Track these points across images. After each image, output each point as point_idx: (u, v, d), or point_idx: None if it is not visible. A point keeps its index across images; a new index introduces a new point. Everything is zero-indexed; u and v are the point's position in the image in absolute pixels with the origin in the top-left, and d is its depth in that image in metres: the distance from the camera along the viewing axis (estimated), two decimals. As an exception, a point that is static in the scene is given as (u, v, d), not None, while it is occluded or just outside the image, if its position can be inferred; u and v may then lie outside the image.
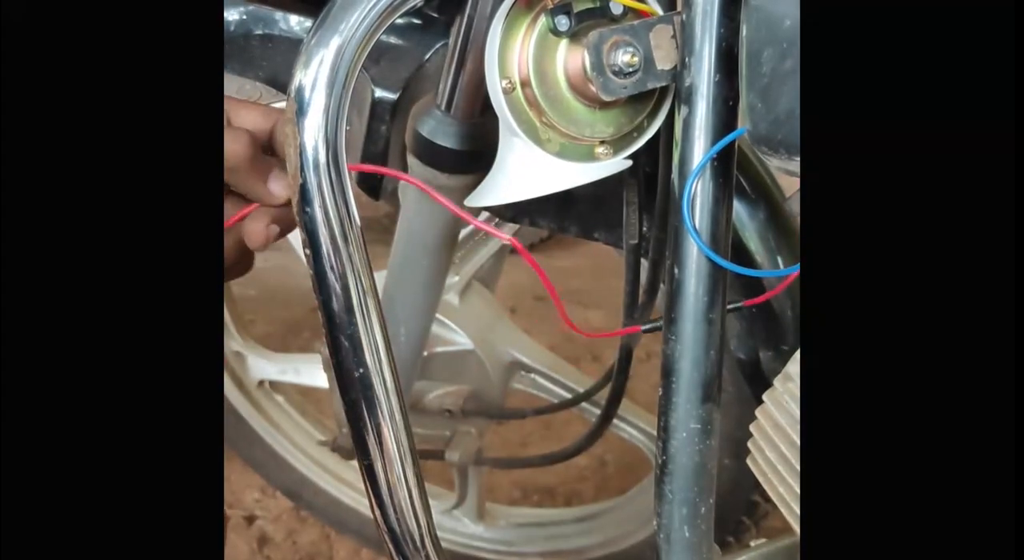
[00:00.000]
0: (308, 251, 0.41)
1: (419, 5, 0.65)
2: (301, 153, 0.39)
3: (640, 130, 0.52)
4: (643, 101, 0.51)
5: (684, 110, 0.46)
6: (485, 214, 1.02)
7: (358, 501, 1.24)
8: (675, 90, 0.48)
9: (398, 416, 0.44)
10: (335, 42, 0.39)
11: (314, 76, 0.39)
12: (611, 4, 0.49)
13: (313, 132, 0.39)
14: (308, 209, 0.40)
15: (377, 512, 0.46)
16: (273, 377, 1.26)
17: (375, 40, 0.41)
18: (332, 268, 0.41)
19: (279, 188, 0.50)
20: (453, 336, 1.04)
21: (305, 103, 0.39)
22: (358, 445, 0.44)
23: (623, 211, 0.65)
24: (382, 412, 0.43)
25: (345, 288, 0.41)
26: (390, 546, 0.47)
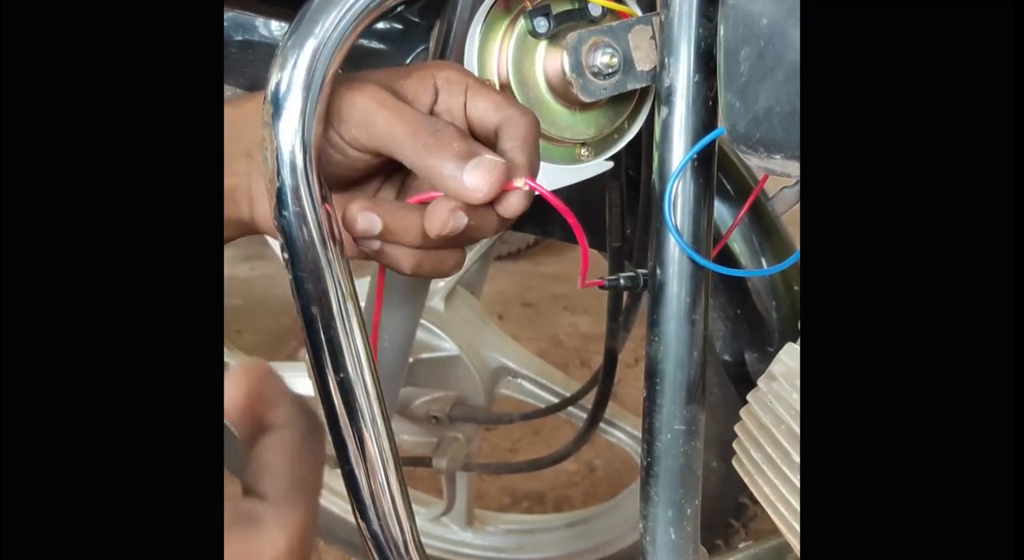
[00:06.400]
0: (286, 255, 0.40)
1: (398, 9, 0.65)
2: (277, 156, 0.39)
3: (621, 131, 0.52)
4: (623, 102, 0.51)
5: (664, 111, 0.46)
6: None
7: (346, 510, 1.23)
8: (655, 91, 0.48)
9: (380, 422, 0.44)
10: (311, 44, 0.39)
11: (289, 78, 0.39)
12: (590, 6, 0.49)
13: (289, 135, 0.39)
14: (285, 213, 0.40)
15: (360, 519, 0.45)
16: (259, 386, 1.25)
17: (352, 42, 0.41)
18: (310, 272, 0.41)
19: (476, 180, 0.40)
20: (439, 342, 1.04)
21: (281, 106, 0.39)
22: (339, 451, 0.44)
23: (606, 213, 0.65)
24: (363, 417, 0.43)
25: (323, 292, 0.41)
26: (374, 553, 0.46)
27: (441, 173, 0.40)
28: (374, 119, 0.42)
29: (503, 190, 0.41)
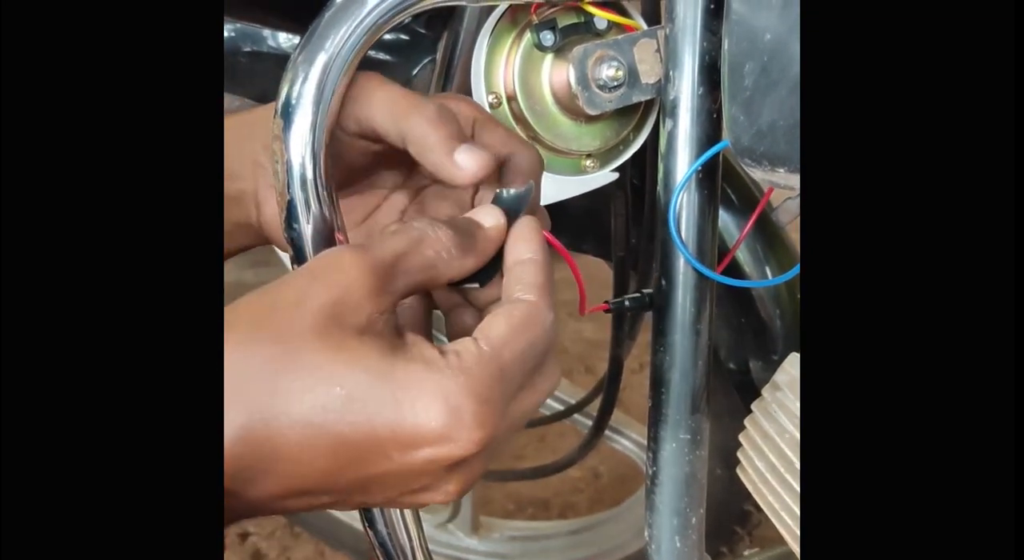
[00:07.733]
0: (296, 267, 0.41)
1: (406, 21, 0.65)
2: (288, 170, 0.40)
3: (626, 143, 0.53)
4: (628, 114, 0.52)
5: (669, 123, 0.46)
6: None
7: (352, 516, 1.23)
8: (660, 103, 0.48)
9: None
10: (321, 59, 0.40)
11: (299, 92, 0.39)
12: (595, 19, 0.49)
13: (300, 148, 0.40)
14: (295, 225, 0.40)
15: (367, 526, 0.46)
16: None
17: (362, 56, 0.41)
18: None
19: (466, 159, 0.41)
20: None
21: (291, 119, 0.39)
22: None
23: (611, 223, 0.66)
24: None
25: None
26: (381, 560, 0.47)
27: (434, 146, 0.41)
28: (374, 94, 0.42)
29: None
